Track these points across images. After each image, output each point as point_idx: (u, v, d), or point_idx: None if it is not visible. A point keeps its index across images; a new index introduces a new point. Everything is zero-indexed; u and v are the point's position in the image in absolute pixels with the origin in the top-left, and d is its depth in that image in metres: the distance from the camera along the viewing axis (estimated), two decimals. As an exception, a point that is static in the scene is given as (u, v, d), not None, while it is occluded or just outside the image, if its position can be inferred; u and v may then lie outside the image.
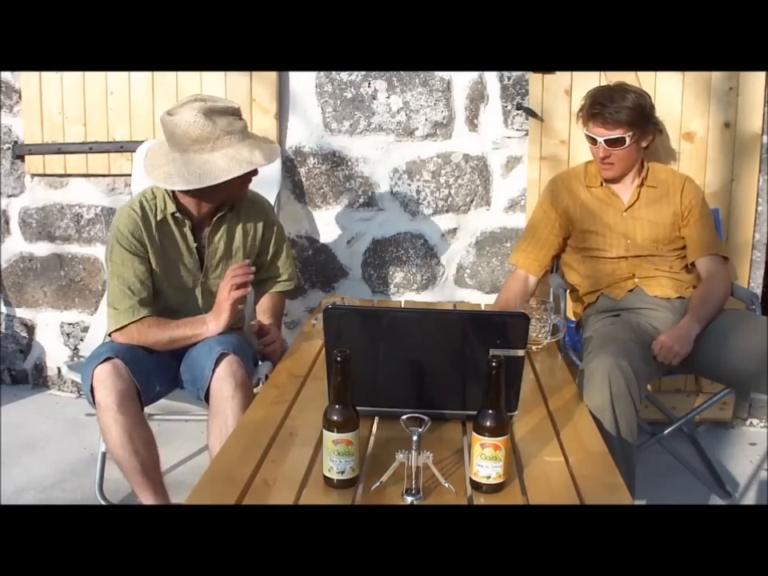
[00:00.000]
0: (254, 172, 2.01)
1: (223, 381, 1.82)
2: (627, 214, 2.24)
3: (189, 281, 2.08)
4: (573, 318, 2.44)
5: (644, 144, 2.22)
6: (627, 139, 2.14)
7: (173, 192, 2.01)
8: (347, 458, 1.25)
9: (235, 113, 1.97)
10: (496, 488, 1.26)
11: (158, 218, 2.00)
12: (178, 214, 2.01)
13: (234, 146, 1.92)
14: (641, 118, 2.16)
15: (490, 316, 1.73)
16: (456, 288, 2.87)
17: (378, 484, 1.25)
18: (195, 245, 2.05)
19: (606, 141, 2.16)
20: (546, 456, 1.39)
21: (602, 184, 2.27)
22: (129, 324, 1.93)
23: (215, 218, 2.06)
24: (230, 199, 2.06)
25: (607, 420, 1.74)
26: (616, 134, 2.14)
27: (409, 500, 1.22)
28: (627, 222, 2.23)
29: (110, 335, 1.99)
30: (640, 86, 2.29)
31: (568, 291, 2.40)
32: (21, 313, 3.16)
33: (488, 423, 1.24)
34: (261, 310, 2.22)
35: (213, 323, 1.97)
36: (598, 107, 2.15)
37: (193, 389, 1.96)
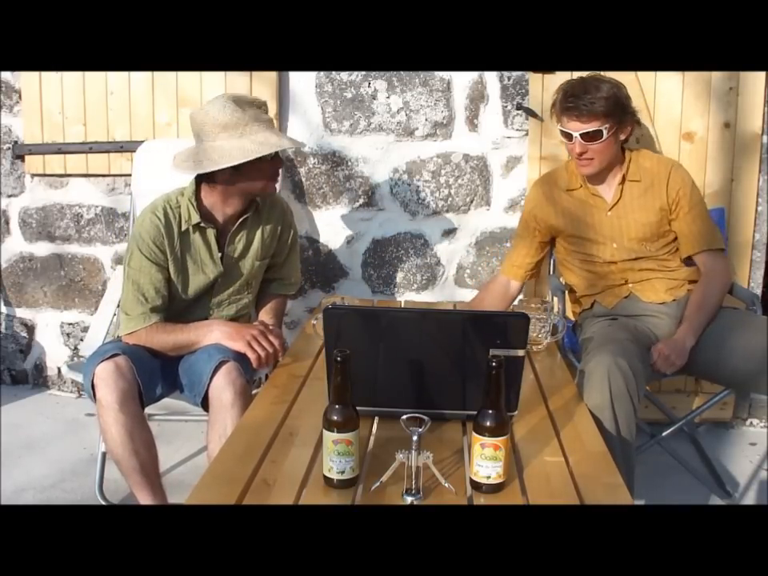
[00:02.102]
0: (281, 164, 2.04)
1: (223, 389, 1.82)
2: (612, 213, 2.17)
3: (206, 288, 2.08)
4: (572, 318, 2.44)
5: (622, 136, 2.12)
6: (604, 132, 2.04)
7: (197, 201, 2.00)
8: (347, 457, 1.25)
9: (262, 106, 2.00)
10: (496, 488, 1.26)
11: (182, 228, 1.99)
12: (202, 224, 2.00)
13: (262, 133, 1.93)
14: (617, 109, 2.05)
15: (490, 316, 1.73)
16: (456, 288, 2.87)
17: (377, 484, 1.25)
18: (219, 254, 2.05)
19: (581, 135, 2.05)
20: (546, 456, 1.39)
21: (580, 186, 2.20)
22: (138, 330, 1.95)
23: (239, 221, 2.06)
24: (261, 193, 2.05)
25: (607, 419, 1.74)
26: (592, 126, 2.03)
27: (409, 500, 1.22)
28: (613, 223, 2.16)
29: (119, 337, 2.01)
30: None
31: (567, 291, 2.40)
32: (21, 313, 3.16)
33: (488, 423, 1.23)
34: (263, 310, 2.23)
35: (218, 333, 1.94)
36: (571, 100, 2.04)
37: (190, 394, 1.96)
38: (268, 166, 1.98)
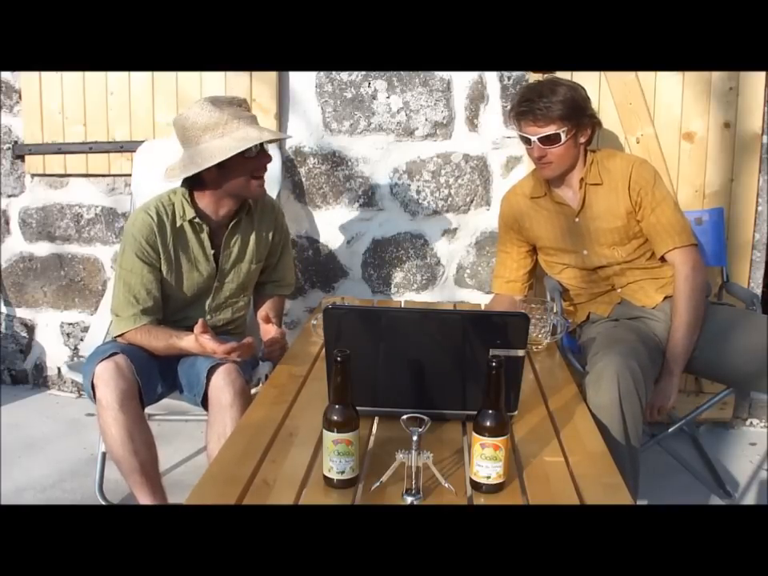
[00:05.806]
0: (269, 159, 2.01)
1: (222, 389, 1.82)
2: (580, 220, 2.13)
3: (202, 286, 2.08)
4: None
5: (582, 139, 2.08)
6: (562, 135, 2.01)
7: (191, 198, 2.00)
8: (347, 457, 1.25)
9: (241, 104, 1.99)
10: (496, 488, 1.26)
11: (177, 224, 1.99)
12: (196, 220, 2.00)
13: (242, 129, 1.92)
14: (574, 112, 2.01)
15: (490, 316, 1.73)
16: (456, 288, 2.87)
17: (378, 484, 1.25)
18: (213, 252, 2.05)
19: (540, 139, 2.02)
20: (546, 456, 1.39)
21: (545, 194, 2.18)
22: (128, 331, 1.96)
23: (232, 223, 2.06)
24: (250, 195, 2.04)
25: (615, 419, 1.73)
26: (549, 130, 2.00)
27: (409, 500, 1.22)
28: (581, 231, 2.13)
29: (114, 338, 2.01)
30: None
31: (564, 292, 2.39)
32: (21, 313, 3.16)
33: (488, 423, 1.24)
34: (261, 309, 2.23)
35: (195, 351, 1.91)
36: (526, 104, 2.01)
37: (189, 394, 1.97)
38: (254, 162, 1.96)
